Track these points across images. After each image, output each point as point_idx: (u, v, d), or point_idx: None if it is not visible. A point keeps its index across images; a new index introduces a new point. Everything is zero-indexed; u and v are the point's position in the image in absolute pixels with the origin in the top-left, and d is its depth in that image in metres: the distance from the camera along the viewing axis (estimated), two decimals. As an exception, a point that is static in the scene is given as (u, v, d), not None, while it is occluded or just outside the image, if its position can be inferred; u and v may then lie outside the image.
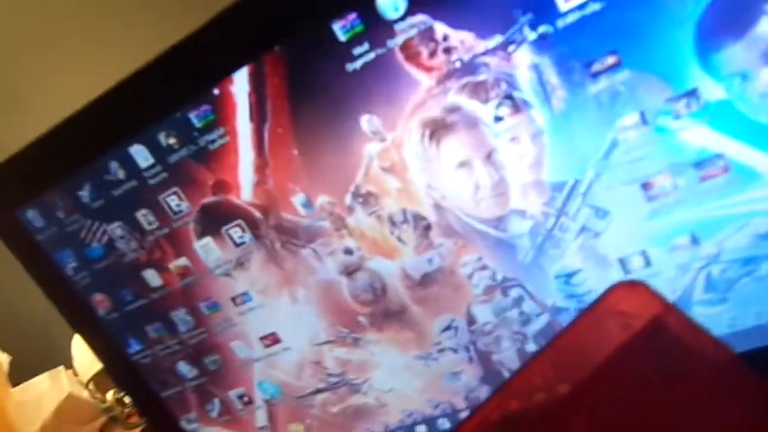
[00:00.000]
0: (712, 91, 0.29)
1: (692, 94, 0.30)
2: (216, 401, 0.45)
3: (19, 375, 0.98)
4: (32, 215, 0.42)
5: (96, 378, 0.93)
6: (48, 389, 0.97)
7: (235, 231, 0.39)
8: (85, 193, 0.40)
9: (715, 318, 0.33)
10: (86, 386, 0.94)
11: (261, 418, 0.45)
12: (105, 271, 0.42)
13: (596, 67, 0.30)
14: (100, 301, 0.44)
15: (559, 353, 0.23)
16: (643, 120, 0.31)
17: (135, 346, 0.45)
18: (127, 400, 0.90)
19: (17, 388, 0.96)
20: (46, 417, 0.92)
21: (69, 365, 1.04)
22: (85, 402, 0.94)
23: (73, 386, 0.99)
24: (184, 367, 0.45)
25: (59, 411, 0.91)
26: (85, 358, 0.94)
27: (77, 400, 0.94)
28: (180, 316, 0.43)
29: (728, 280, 0.33)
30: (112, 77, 0.37)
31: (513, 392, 0.26)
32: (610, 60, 0.30)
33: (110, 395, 0.90)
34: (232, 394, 0.45)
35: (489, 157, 0.33)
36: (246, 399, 0.44)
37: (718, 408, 0.22)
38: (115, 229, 0.41)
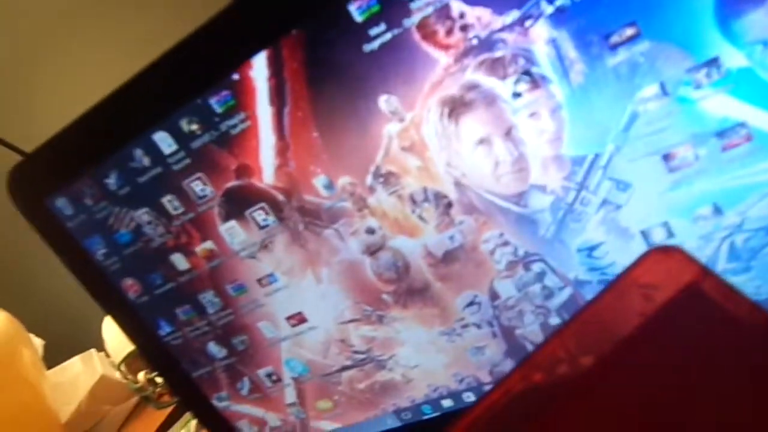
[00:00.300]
0: (733, 59, 0.29)
1: (713, 63, 0.29)
2: (245, 380, 0.46)
3: (52, 359, 1.00)
4: (61, 204, 0.43)
5: (127, 359, 0.96)
6: (81, 371, 1.00)
7: (259, 214, 0.39)
8: (111, 181, 0.41)
9: (739, 286, 0.33)
10: (118, 368, 0.96)
11: (290, 395, 0.46)
12: (134, 256, 0.43)
13: (615, 39, 0.30)
14: (130, 286, 0.45)
15: (588, 322, 0.23)
16: (664, 91, 0.31)
17: (165, 328, 0.46)
18: (158, 380, 0.92)
19: (52, 371, 0.99)
20: (81, 397, 0.94)
21: (100, 348, 1.07)
22: (118, 383, 0.97)
23: (105, 368, 1.02)
24: (213, 348, 0.46)
25: (94, 391, 0.94)
26: (116, 340, 0.96)
27: (110, 381, 0.96)
28: (208, 298, 0.44)
29: (752, 248, 0.32)
30: (126, 69, 0.37)
31: (537, 364, 0.26)
32: (629, 31, 0.30)
33: (142, 376, 0.92)
34: (261, 372, 0.46)
35: (508, 133, 0.33)
36: (274, 377, 0.46)
37: (759, 376, 0.22)
38: (142, 215, 0.42)
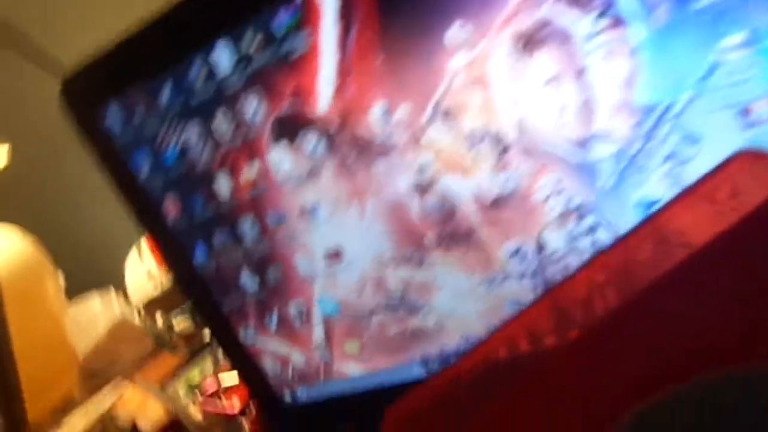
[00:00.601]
0: (830, 10, 0.28)
1: (808, 13, 0.28)
2: (275, 315, 0.46)
3: (68, 291, 1.01)
4: (112, 116, 0.43)
5: (148, 303, 0.97)
6: (101, 310, 1.01)
7: (309, 141, 0.39)
8: (165, 96, 0.41)
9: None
10: (138, 311, 0.97)
11: (318, 334, 0.46)
12: (177, 176, 0.43)
13: (705, -20, 0.29)
14: (171, 206, 0.44)
15: (654, 230, 0.22)
16: (749, 40, 0.29)
17: (200, 254, 0.46)
18: (176, 326, 0.93)
19: (71, 307, 0.99)
20: (99, 337, 0.95)
21: (117, 286, 1.07)
22: (137, 326, 0.98)
23: (123, 309, 1.02)
24: (246, 279, 0.45)
25: (112, 332, 0.95)
26: (138, 283, 0.97)
27: (129, 324, 0.97)
28: (247, 226, 0.43)
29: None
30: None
31: (560, 299, 0.25)
32: (722, -27, 0.29)
33: (159, 321, 0.93)
34: (291, 308, 0.45)
35: (579, 74, 0.32)
36: (304, 315, 0.45)
37: None
38: (191, 134, 0.41)
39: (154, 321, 0.94)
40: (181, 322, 0.92)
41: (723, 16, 0.29)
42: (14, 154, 0.99)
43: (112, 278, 1.08)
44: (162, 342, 0.93)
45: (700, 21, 0.30)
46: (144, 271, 0.95)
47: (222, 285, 0.46)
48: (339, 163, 0.39)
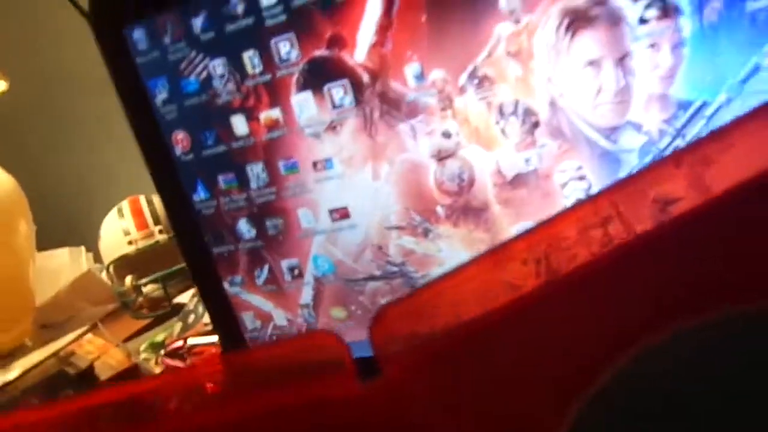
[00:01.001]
0: None
1: None
2: (266, 268, 0.45)
3: (38, 245, 0.98)
4: (139, 36, 0.42)
5: (117, 263, 0.94)
6: (67, 264, 0.98)
7: (338, 91, 0.38)
8: (198, 23, 0.40)
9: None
10: (107, 268, 0.94)
11: (306, 294, 0.44)
12: (194, 108, 0.42)
13: (762, -18, 0.30)
14: (181, 139, 0.43)
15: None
16: (794, 50, 0.30)
17: (202, 193, 0.44)
18: (143, 288, 0.91)
19: (39, 254, 0.96)
20: (61, 287, 0.92)
21: (89, 248, 1.04)
22: (101, 282, 0.95)
23: (92, 266, 1.00)
24: (244, 226, 0.44)
25: (76, 285, 0.92)
26: (112, 242, 0.95)
27: (95, 278, 0.94)
28: (256, 170, 0.42)
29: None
30: None
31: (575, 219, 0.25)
32: (780, -23, 0.29)
33: (128, 281, 0.91)
34: (284, 263, 0.44)
35: (622, 59, 0.33)
36: (296, 272, 0.44)
37: None
38: (218, 66, 0.41)
39: (122, 282, 0.91)
40: (150, 289, 0.89)
41: (772, 22, 0.30)
42: (12, 89, 0.97)
43: (87, 239, 1.05)
44: (126, 304, 0.91)
45: (751, 22, 0.30)
46: (121, 230, 0.93)
47: (217, 229, 0.45)
48: (363, 118, 0.38)
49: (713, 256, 0.22)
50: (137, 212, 0.93)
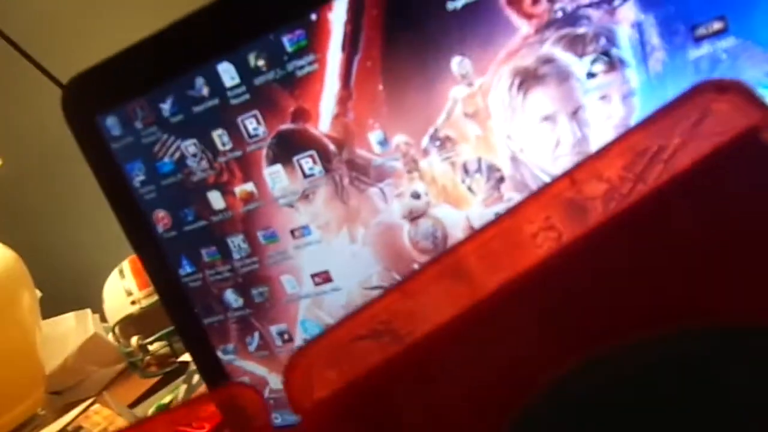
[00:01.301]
0: (817, 68, 0.29)
1: (796, 69, 0.29)
2: (256, 335, 0.46)
3: (45, 313, 0.99)
4: (111, 123, 0.43)
5: (122, 323, 0.95)
6: (74, 328, 0.99)
7: (307, 161, 0.39)
8: (166, 107, 0.41)
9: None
10: (112, 329, 0.95)
11: (298, 357, 0.45)
12: (171, 187, 0.43)
13: (701, 31, 0.30)
14: (162, 218, 0.44)
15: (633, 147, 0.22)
16: (740, 92, 0.30)
17: (187, 268, 0.45)
18: (150, 347, 0.91)
19: (45, 322, 0.98)
20: (69, 353, 0.93)
21: (95, 310, 1.06)
22: (108, 345, 0.96)
23: (98, 329, 1.01)
24: (230, 296, 0.45)
25: (83, 349, 0.93)
26: (116, 302, 0.96)
27: (101, 341, 0.95)
28: (237, 242, 0.43)
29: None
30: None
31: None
32: (717, 25, 0.30)
33: (134, 341, 0.91)
34: (274, 329, 0.45)
35: (575, 113, 0.33)
36: (286, 336, 0.45)
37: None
38: (189, 146, 0.42)
39: (128, 342, 0.92)
40: (156, 347, 0.90)
41: (717, 66, 0.31)
42: (6, 165, 0.99)
43: (91, 302, 1.06)
44: (134, 364, 0.91)
45: (695, 69, 0.31)
46: (123, 290, 0.94)
47: (205, 301, 0.46)
48: (334, 186, 0.39)
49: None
50: (137, 272, 0.94)
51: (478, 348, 0.26)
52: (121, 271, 0.96)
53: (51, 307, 1.02)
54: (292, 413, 0.25)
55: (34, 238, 1.16)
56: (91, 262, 1.15)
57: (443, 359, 0.27)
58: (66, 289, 1.16)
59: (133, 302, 0.94)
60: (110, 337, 0.97)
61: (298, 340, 0.44)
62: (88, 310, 1.04)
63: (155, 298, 0.94)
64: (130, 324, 0.94)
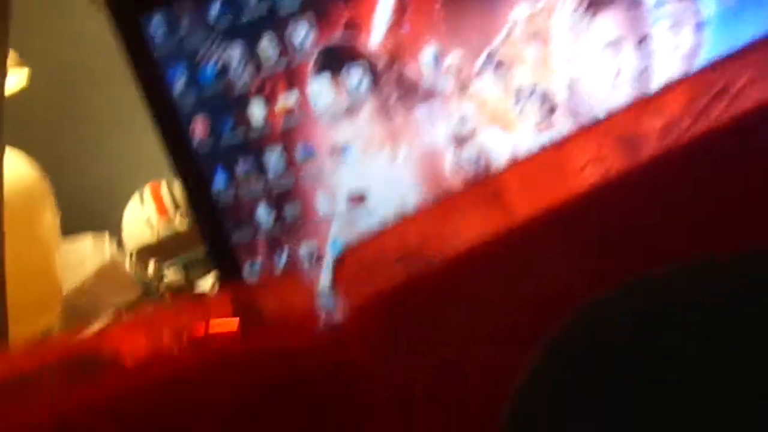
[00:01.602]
0: None
1: None
2: (284, 252, 0.45)
3: (63, 230, 0.99)
4: (156, 25, 0.42)
5: (140, 250, 0.96)
6: (91, 251, 1.00)
7: (354, 75, 0.38)
8: (214, 11, 0.40)
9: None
10: (130, 257, 0.96)
11: (324, 278, 0.45)
12: (212, 95, 0.43)
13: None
14: (199, 126, 0.44)
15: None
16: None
17: (220, 181, 0.45)
18: (166, 278, 0.92)
19: (63, 242, 0.98)
20: (86, 276, 0.94)
21: (113, 234, 1.06)
22: (125, 272, 0.96)
23: (115, 254, 1.01)
24: (262, 211, 0.45)
25: (99, 274, 0.94)
26: (134, 229, 0.96)
27: (118, 267, 0.96)
28: (274, 156, 0.43)
29: None
30: None
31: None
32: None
33: (151, 268, 0.92)
34: (303, 247, 0.45)
35: (642, 41, 0.32)
36: (315, 256, 0.44)
37: None
38: (235, 52, 0.41)
39: (145, 269, 0.93)
40: (172, 274, 0.91)
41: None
42: (34, 81, 0.98)
43: (110, 225, 1.07)
44: (150, 291, 0.92)
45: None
46: (143, 217, 0.94)
47: (236, 215, 0.45)
48: (380, 102, 0.39)
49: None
50: (158, 198, 0.94)
51: (515, 270, 0.25)
52: (141, 197, 0.96)
53: (71, 224, 1.02)
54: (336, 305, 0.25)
55: (60, 155, 1.16)
56: (114, 184, 1.15)
57: (479, 278, 0.26)
58: (87, 207, 1.16)
59: (151, 232, 0.95)
60: (127, 262, 0.98)
61: (327, 260, 0.44)
62: (107, 233, 1.04)
63: (173, 225, 0.94)
64: (146, 251, 0.95)
